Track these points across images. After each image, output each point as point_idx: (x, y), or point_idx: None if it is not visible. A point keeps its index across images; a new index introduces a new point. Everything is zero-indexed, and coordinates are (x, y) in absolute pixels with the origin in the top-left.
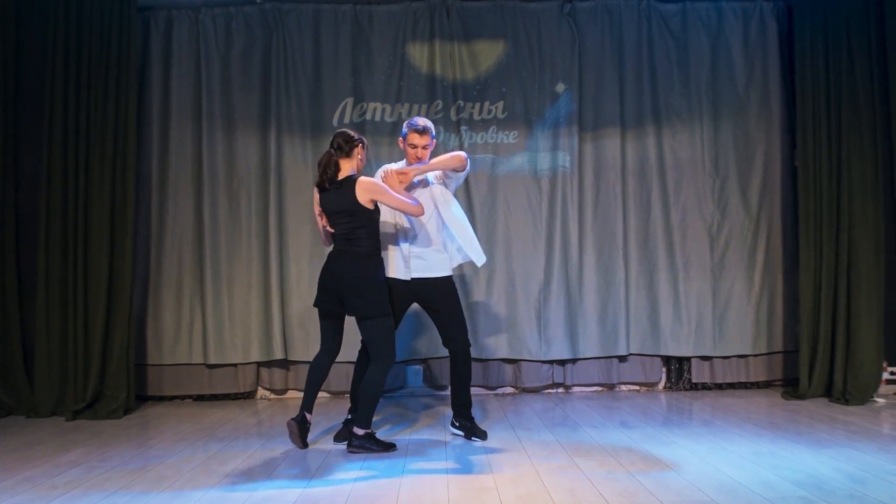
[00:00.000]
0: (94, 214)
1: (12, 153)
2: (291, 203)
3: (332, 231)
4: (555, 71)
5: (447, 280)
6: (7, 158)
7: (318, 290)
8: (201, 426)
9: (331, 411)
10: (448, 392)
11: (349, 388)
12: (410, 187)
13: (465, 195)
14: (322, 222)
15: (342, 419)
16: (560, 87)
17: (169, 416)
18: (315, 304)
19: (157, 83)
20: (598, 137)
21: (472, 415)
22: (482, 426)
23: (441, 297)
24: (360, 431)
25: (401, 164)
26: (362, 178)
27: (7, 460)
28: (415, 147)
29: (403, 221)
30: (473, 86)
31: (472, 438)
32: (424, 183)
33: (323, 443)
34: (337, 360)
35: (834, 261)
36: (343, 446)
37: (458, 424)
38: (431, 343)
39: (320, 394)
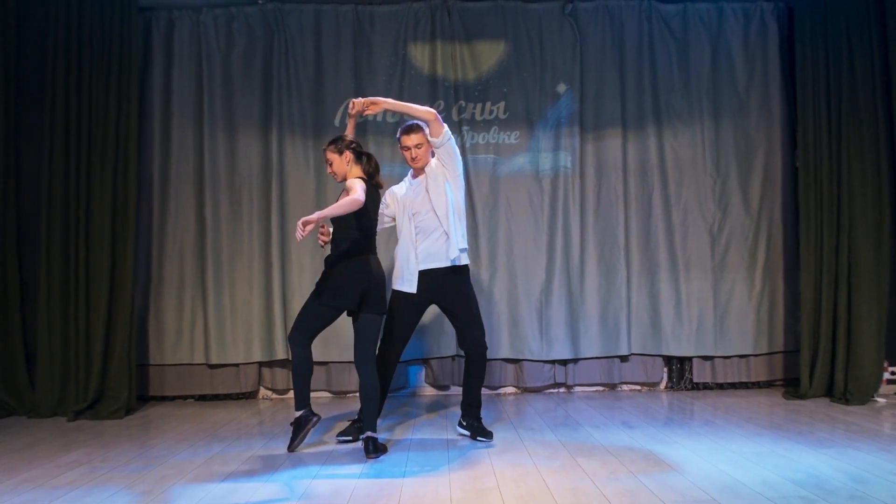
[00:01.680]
0: (96, 215)
1: (14, 154)
2: (293, 203)
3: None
4: (556, 71)
5: (454, 270)
6: (8, 159)
7: (350, 293)
8: (203, 426)
9: (332, 410)
10: (450, 391)
11: (352, 389)
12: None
13: (468, 195)
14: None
15: (344, 418)
16: (561, 88)
17: (171, 417)
18: (350, 310)
19: (158, 84)
20: (599, 138)
21: (480, 415)
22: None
23: (452, 293)
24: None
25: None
26: None
27: (9, 461)
28: (407, 149)
29: (413, 231)
30: (475, 86)
31: (478, 438)
32: (420, 171)
33: (325, 442)
34: (336, 359)
35: (834, 261)
36: (346, 445)
37: (464, 424)
38: (433, 343)
39: (321, 393)
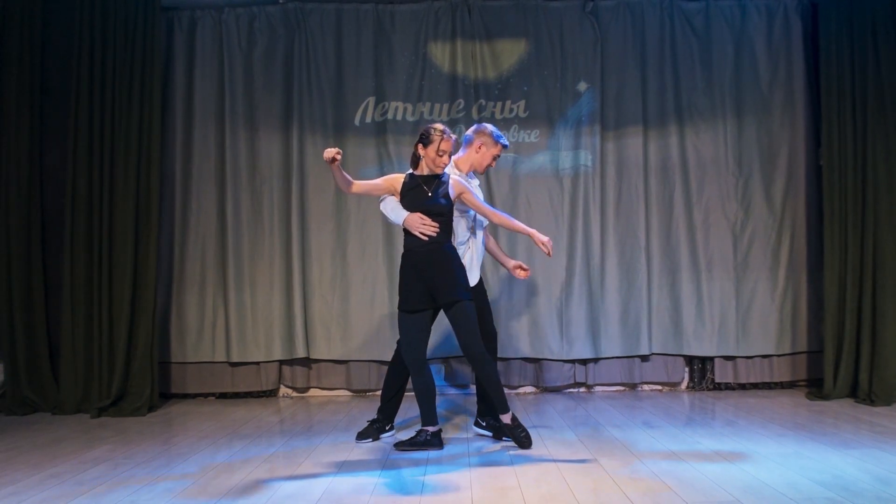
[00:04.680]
0: (119, 213)
1: (38, 152)
2: (314, 202)
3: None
4: (577, 69)
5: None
6: (33, 157)
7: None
8: (224, 424)
9: (352, 409)
10: (470, 390)
11: (371, 387)
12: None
13: (488, 194)
14: None
15: (364, 417)
16: (582, 86)
17: (192, 414)
18: None
19: (180, 83)
20: (620, 136)
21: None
22: None
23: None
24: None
25: (449, 164)
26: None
27: (33, 457)
28: (496, 158)
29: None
30: (495, 85)
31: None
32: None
33: (346, 441)
34: (360, 358)
35: (859, 260)
36: (366, 444)
37: (484, 424)
38: (452, 342)
39: (341, 392)
